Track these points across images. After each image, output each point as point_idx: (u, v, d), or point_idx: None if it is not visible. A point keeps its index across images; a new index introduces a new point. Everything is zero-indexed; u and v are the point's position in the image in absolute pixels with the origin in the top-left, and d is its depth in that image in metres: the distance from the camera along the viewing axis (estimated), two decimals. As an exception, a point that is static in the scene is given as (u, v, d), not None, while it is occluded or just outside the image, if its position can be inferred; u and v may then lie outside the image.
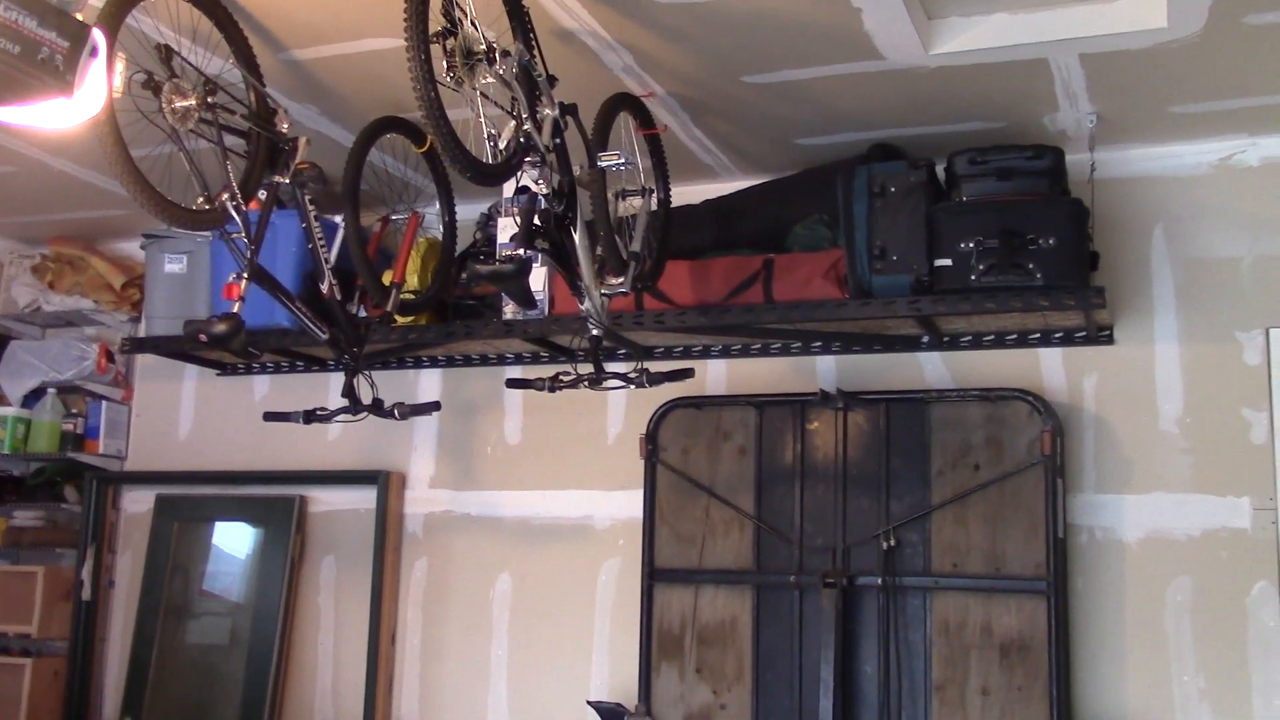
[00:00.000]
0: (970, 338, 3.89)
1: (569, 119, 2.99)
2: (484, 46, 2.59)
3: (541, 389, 3.33)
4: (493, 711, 4.29)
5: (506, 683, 4.29)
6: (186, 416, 4.99)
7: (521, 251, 2.75)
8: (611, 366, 3.37)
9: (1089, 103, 3.50)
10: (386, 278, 3.69)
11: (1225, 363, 3.67)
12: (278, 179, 3.14)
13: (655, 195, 3.47)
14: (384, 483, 4.46)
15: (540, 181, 2.87)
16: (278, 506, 4.64)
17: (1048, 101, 3.52)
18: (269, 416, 3.71)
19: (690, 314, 3.73)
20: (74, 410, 5.02)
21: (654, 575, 3.97)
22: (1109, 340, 3.77)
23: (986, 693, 3.55)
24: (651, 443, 4.03)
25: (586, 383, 3.25)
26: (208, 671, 4.56)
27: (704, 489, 3.95)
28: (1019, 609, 3.56)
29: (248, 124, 3.05)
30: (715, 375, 4.19)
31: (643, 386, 3.24)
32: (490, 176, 2.67)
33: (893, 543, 3.69)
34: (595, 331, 3.18)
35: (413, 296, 3.80)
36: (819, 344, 4.05)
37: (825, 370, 4.07)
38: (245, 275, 2.98)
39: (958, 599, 3.63)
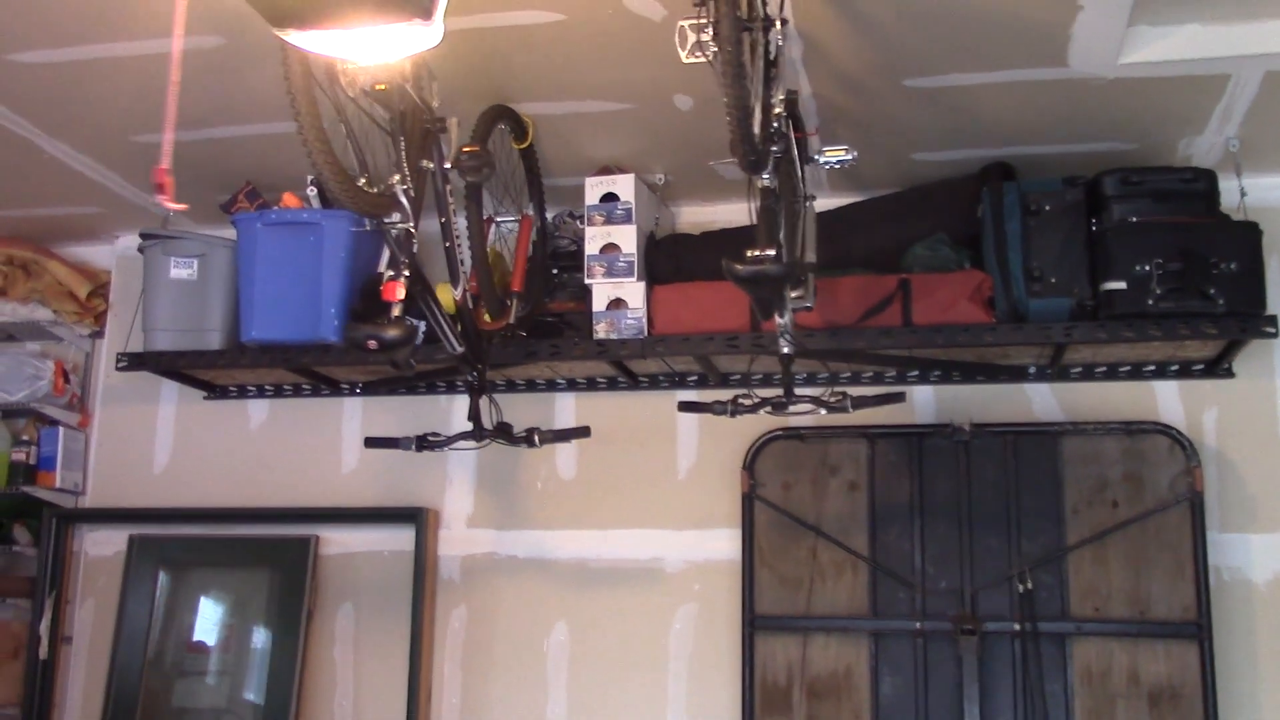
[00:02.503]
0: (1081, 369, 3.71)
1: (791, 106, 2.65)
2: (761, 11, 2.23)
3: (722, 413, 2.95)
4: (550, 777, 3.85)
5: (565, 745, 3.86)
6: (164, 446, 4.35)
7: (772, 252, 2.38)
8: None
9: (1238, 126, 3.37)
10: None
11: (1348, 398, 3.60)
12: (427, 164, 2.69)
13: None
14: (423, 521, 3.95)
15: (769, 175, 2.51)
16: (288, 549, 4.07)
17: (1198, 123, 3.38)
18: (371, 443, 3.22)
19: (820, 336, 3.42)
20: (25, 438, 4.32)
21: (755, 623, 3.63)
22: (1229, 374, 3.64)
23: (1137, 745, 3.34)
24: (751, 477, 3.69)
25: (770, 407, 2.89)
26: (203, 739, 3.96)
27: (810, 528, 3.64)
28: (1167, 654, 3.37)
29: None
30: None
31: (843, 411, 2.89)
32: (759, 164, 2.31)
33: (1029, 585, 3.45)
34: (787, 349, 2.83)
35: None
36: (915, 373, 3.80)
37: (923, 401, 3.82)
38: (407, 274, 2.52)
39: (1101, 645, 3.42)
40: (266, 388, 4.26)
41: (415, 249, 2.53)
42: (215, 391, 4.30)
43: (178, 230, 3.98)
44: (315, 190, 3.66)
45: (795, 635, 3.60)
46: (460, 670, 3.96)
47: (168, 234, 3.92)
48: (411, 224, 2.51)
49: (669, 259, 3.70)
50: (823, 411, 2.93)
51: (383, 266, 3.60)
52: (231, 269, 3.85)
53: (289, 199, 3.73)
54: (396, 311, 2.49)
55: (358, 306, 3.57)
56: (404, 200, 2.49)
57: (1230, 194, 3.49)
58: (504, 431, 3.08)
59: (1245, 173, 3.62)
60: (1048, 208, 3.34)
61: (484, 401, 3.11)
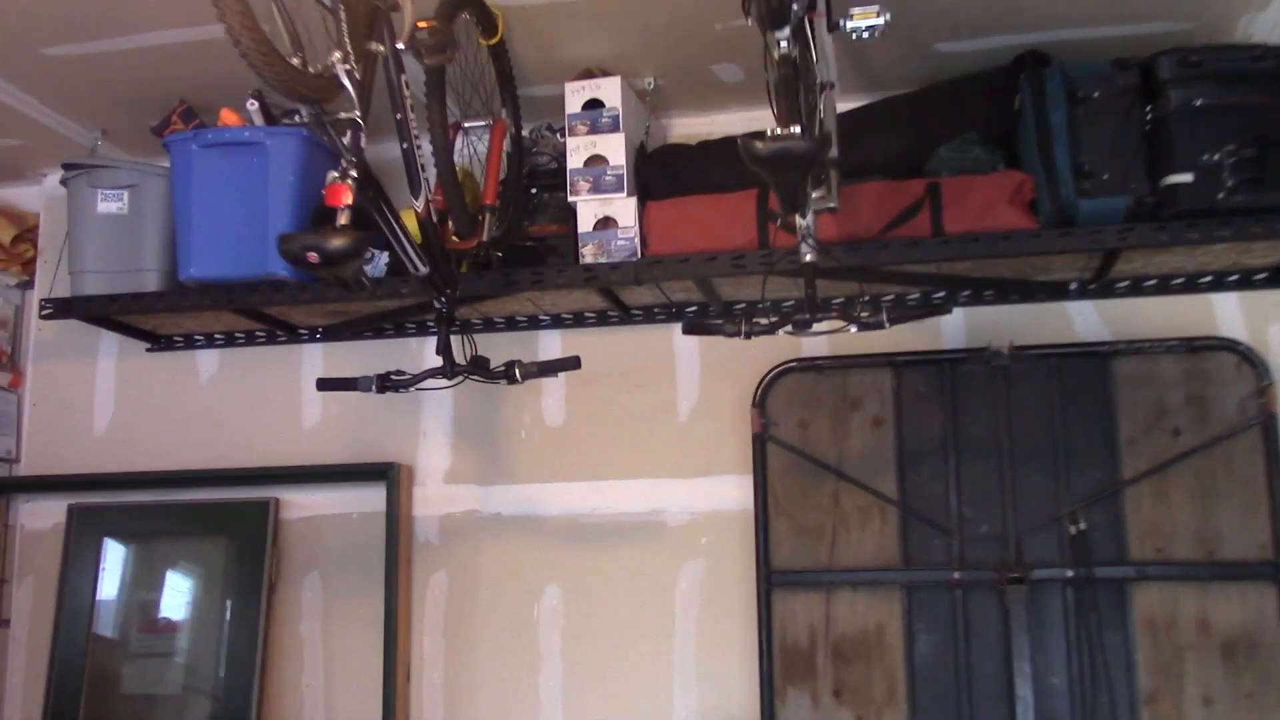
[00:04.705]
0: (1129, 283, 3.29)
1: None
2: None
3: (735, 334, 2.51)
4: (546, 757, 3.45)
5: (562, 720, 3.46)
6: (105, 405, 3.91)
7: (797, 129, 1.95)
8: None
9: (1310, -4, 2.95)
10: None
11: None
12: (376, 47, 2.24)
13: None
14: (394, 478, 3.53)
15: (788, 41, 2.06)
16: (244, 514, 3.65)
17: (1262, -3, 2.96)
18: (325, 384, 2.78)
19: (838, 250, 2.98)
20: (-53, 400, 3.88)
21: (771, 579, 3.23)
22: (1295, 282, 3.24)
23: (1210, 702, 2.95)
24: (762, 415, 3.27)
25: (791, 325, 2.46)
26: (158, 729, 3.54)
27: (831, 470, 3.23)
28: (1242, 599, 2.99)
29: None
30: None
31: (878, 327, 2.46)
32: (781, 14, 1.87)
33: (1081, 526, 3.05)
34: (810, 256, 2.39)
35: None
36: (942, 294, 3.38)
37: (951, 325, 3.40)
38: (355, 174, 2.09)
39: (1165, 590, 3.02)
40: (216, 336, 3.82)
41: (364, 143, 2.09)
42: (159, 342, 3.85)
43: (104, 159, 3.52)
44: (257, 105, 3.21)
45: (817, 591, 3.19)
46: (442, 642, 3.55)
47: (93, 163, 3.46)
48: (358, 112, 2.07)
49: (664, 172, 3.26)
50: (853, 329, 2.49)
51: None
52: (167, 200, 3.40)
53: (227, 116, 3.28)
54: (344, 219, 2.06)
55: (311, 235, 3.12)
56: (347, 83, 2.05)
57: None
58: (479, 366, 2.65)
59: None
60: (1096, 94, 2.91)
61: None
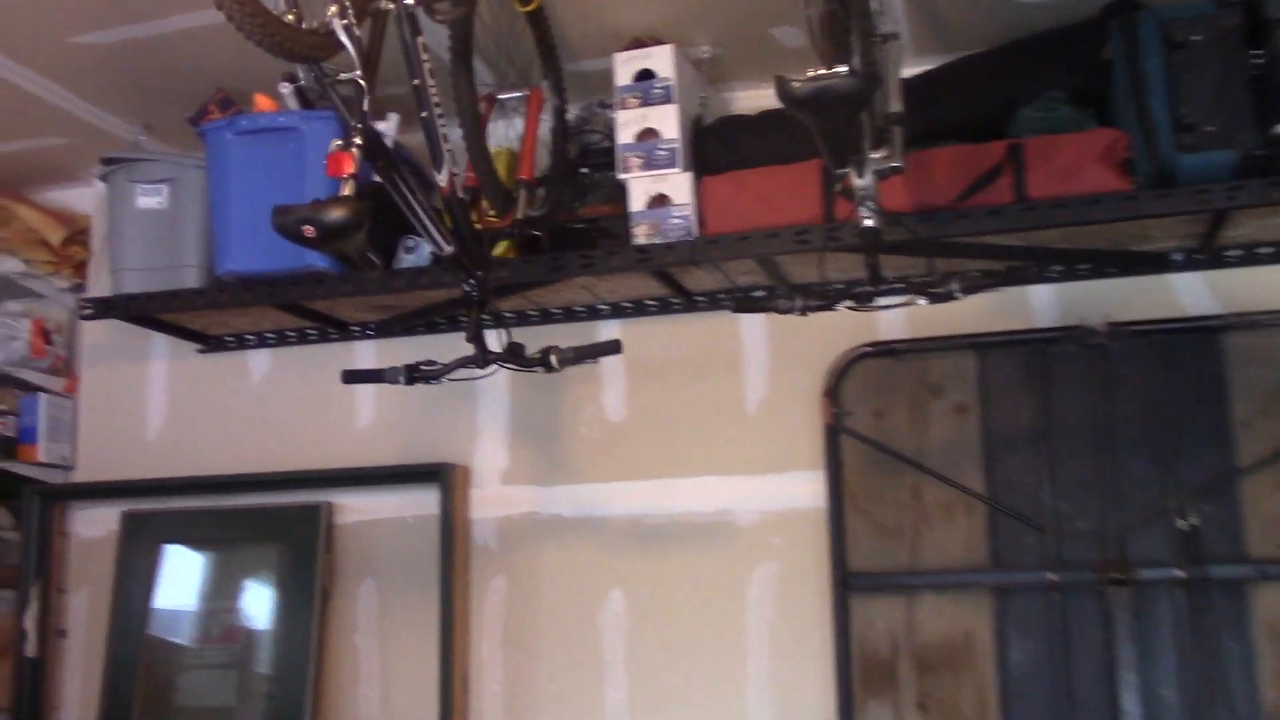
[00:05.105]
0: (1241, 251, 2.97)
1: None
2: None
3: (789, 311, 2.28)
4: (611, 774, 3.24)
5: (628, 735, 3.24)
6: (157, 409, 3.80)
7: (844, 69, 1.71)
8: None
9: None
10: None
11: None
12: (386, 3, 2.05)
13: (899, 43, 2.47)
14: (449, 479, 3.35)
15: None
16: (297, 519, 3.50)
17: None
18: (351, 377, 2.61)
19: (909, 220, 2.72)
20: (2, 407, 3.79)
21: (848, 582, 2.97)
22: None
23: (1345, 716, 2.63)
24: (834, 404, 3.02)
25: (852, 299, 2.22)
26: (212, 743, 3.41)
27: (911, 463, 2.96)
28: (1378, 600, 2.66)
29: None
30: (887, 316, 3.17)
31: (948, 298, 2.20)
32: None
33: (1193, 521, 2.75)
34: (870, 222, 2.15)
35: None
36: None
37: (1042, 302, 3.11)
38: (359, 141, 1.90)
39: (1290, 592, 2.71)
40: (267, 335, 3.69)
41: (368, 106, 1.90)
42: (210, 343, 3.73)
43: (142, 152, 3.40)
44: (291, 88, 3.06)
45: (898, 595, 2.94)
46: (501, 650, 3.36)
47: (130, 156, 3.34)
48: (359, 72, 1.88)
49: (722, 145, 3.03)
50: (921, 301, 2.24)
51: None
52: (206, 192, 3.27)
53: (262, 101, 3.13)
54: (347, 190, 1.87)
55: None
56: (347, 39, 1.86)
57: None
58: (514, 354, 2.45)
59: None
60: (1197, 38, 2.60)
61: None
